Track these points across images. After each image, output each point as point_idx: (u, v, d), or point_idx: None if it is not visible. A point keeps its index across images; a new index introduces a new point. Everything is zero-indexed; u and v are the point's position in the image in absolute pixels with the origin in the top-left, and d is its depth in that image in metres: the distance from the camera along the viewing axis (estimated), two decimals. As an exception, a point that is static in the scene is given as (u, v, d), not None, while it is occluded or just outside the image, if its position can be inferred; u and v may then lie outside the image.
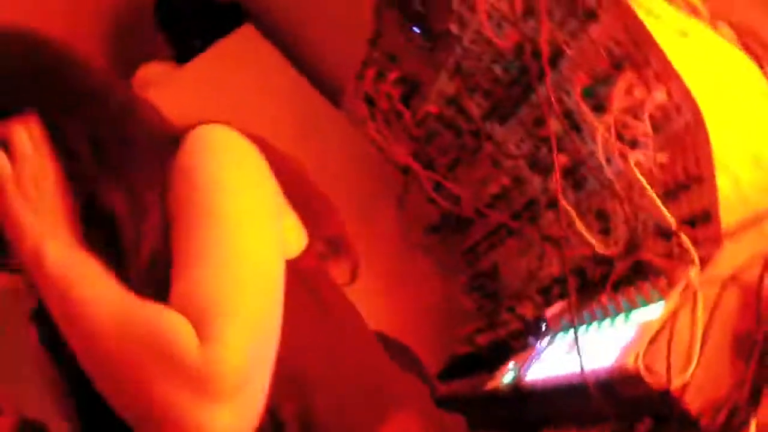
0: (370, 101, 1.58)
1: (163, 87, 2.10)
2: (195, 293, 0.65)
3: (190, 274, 0.67)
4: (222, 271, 0.66)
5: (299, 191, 0.85)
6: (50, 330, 0.79)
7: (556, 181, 1.13)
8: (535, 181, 1.28)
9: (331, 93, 2.10)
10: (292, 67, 2.13)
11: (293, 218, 0.83)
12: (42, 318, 0.85)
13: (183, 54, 2.26)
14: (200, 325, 0.62)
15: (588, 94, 1.03)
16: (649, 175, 0.96)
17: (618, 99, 0.96)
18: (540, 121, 1.18)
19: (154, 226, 0.73)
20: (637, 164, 0.96)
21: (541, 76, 1.05)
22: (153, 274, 0.71)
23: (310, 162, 1.93)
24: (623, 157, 0.98)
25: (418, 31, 1.30)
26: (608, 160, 1.03)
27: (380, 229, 1.87)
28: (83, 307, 0.66)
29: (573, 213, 1.12)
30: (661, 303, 0.86)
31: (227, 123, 0.84)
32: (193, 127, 0.83)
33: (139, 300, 0.67)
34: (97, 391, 0.66)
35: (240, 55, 2.14)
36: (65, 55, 0.85)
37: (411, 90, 1.46)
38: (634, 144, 0.97)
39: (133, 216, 0.73)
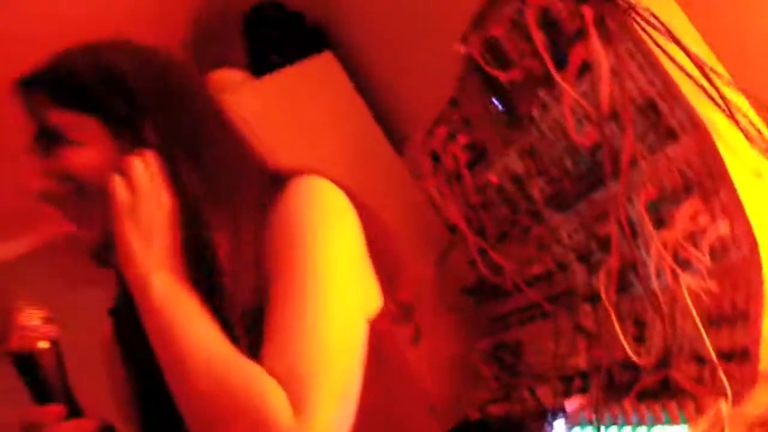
0: (435, 157, 1.63)
1: (237, 95, 2.17)
2: (290, 360, 0.68)
3: (286, 338, 0.70)
4: (316, 339, 0.69)
5: (382, 250, 0.86)
6: (125, 329, 0.84)
7: (602, 279, 1.17)
8: (580, 273, 1.31)
9: (395, 136, 2.16)
10: (363, 102, 2.19)
11: (373, 278, 0.84)
12: (119, 315, 0.90)
13: (258, 65, 2.33)
14: (294, 395, 0.65)
15: (652, 207, 1.06)
16: (696, 299, 0.99)
17: (681, 220, 1.00)
18: (599, 218, 1.22)
19: (250, 265, 0.76)
20: (687, 286, 0.99)
21: (615, 177, 1.09)
22: (246, 316, 0.73)
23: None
24: (674, 275, 1.01)
25: (498, 105, 1.35)
26: (658, 274, 1.06)
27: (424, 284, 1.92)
28: (184, 347, 0.69)
29: (612, 314, 1.16)
30: (686, 427, 0.89)
31: (324, 175, 0.86)
32: (294, 172, 0.86)
33: (238, 355, 0.69)
34: (163, 397, 0.70)
35: (315, 80, 2.21)
36: (193, 88, 0.89)
37: (477, 157, 1.51)
38: (687, 266, 1.00)
39: (233, 253, 0.76)
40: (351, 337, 0.74)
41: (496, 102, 1.35)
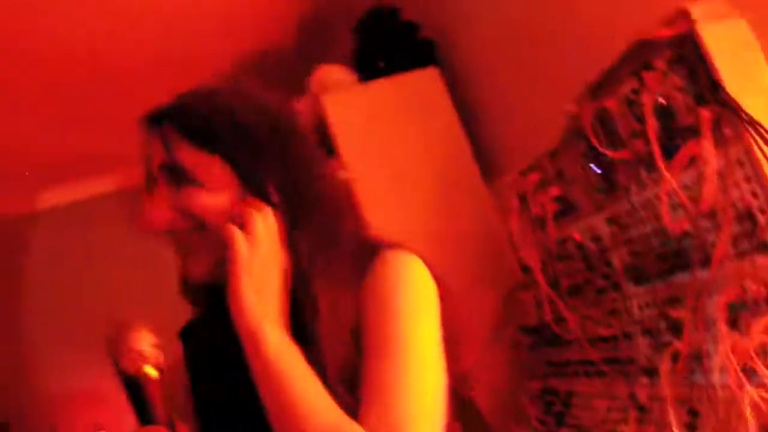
0: (523, 199, 1.68)
1: (341, 95, 2.27)
2: (391, 421, 0.75)
3: (385, 401, 0.77)
4: (414, 403, 0.77)
5: (451, 325, 0.89)
6: (193, 350, 0.92)
7: (666, 360, 1.21)
8: (643, 346, 1.35)
9: (485, 163, 2.21)
10: (460, 124, 2.24)
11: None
12: (188, 337, 0.98)
13: (364, 68, 2.41)
14: None
15: (731, 308, 1.10)
16: (755, 408, 1.02)
17: (756, 331, 1.03)
18: (674, 301, 1.26)
19: (345, 330, 0.82)
20: (748, 393, 1.03)
21: (700, 268, 1.13)
22: (343, 374, 0.80)
23: (438, 219, 2.08)
24: (737, 379, 1.05)
25: (596, 171, 1.39)
26: (722, 371, 1.10)
27: (475, 308, 1.98)
28: (295, 398, 0.75)
29: (669, 394, 1.20)
30: None
31: (416, 253, 0.91)
32: (386, 243, 0.92)
33: (342, 412, 0.76)
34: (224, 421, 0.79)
35: (417, 94, 2.27)
36: (311, 151, 0.94)
37: (564, 211, 1.55)
38: (752, 375, 1.03)
39: (332, 317, 0.82)
40: (440, 399, 0.81)
41: (594, 167, 1.39)
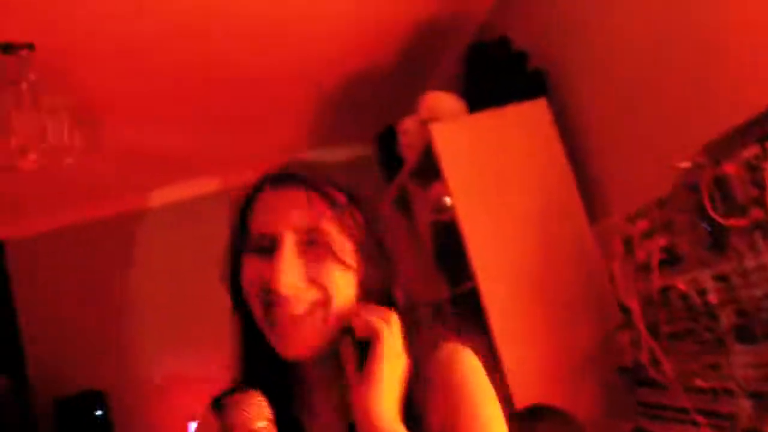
0: (628, 244, 1.72)
1: (449, 124, 2.35)
2: None
3: None
4: None
5: None
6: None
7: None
8: (744, 406, 1.37)
9: (589, 200, 2.24)
10: (566, 158, 2.28)
11: None
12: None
13: (473, 97, 2.47)
14: None
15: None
16: None
17: None
18: (779, 366, 1.28)
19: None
20: None
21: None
22: None
23: (538, 254, 2.12)
24: None
25: (708, 229, 1.42)
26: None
27: (569, 343, 2.04)
28: None
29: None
30: None
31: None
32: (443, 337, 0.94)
33: None
34: None
35: (525, 126, 2.32)
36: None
37: (670, 261, 1.58)
38: None
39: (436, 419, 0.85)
40: None
41: (707, 227, 1.42)
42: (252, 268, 0.86)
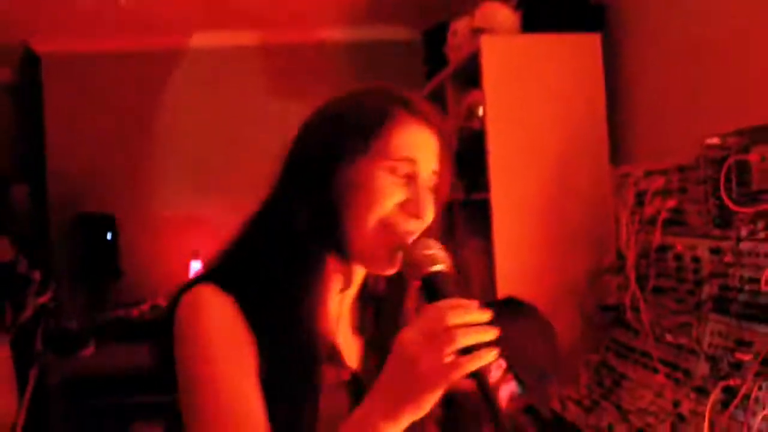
0: (640, 197, 1.81)
1: (500, 38, 2.37)
2: None
3: None
4: None
5: None
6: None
7: (715, 393, 1.39)
8: (704, 368, 1.52)
9: (615, 142, 2.30)
10: (604, 97, 2.32)
11: None
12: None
13: (527, 11, 2.45)
14: None
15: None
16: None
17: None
18: (744, 344, 1.41)
19: None
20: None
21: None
22: None
23: (555, 183, 2.22)
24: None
25: (717, 205, 1.51)
26: (763, 420, 1.28)
27: (562, 271, 2.19)
28: None
29: (708, 416, 1.39)
30: None
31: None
32: None
33: None
34: None
35: (574, 56, 2.34)
36: None
37: (675, 222, 1.68)
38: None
39: None
40: None
41: (715, 203, 1.51)
42: (387, 183, 0.94)
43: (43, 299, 2.10)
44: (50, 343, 2.22)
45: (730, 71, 1.81)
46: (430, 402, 0.79)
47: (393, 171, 0.95)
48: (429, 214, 0.96)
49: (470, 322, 0.80)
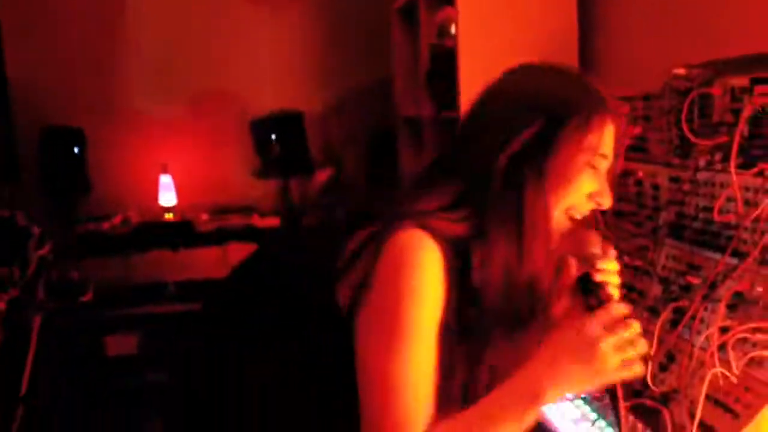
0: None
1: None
2: None
3: None
4: None
5: None
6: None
7: (664, 315, 1.48)
8: (656, 288, 1.61)
9: (586, 66, 2.30)
10: (577, 21, 2.31)
11: None
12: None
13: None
14: None
15: (735, 296, 1.34)
16: (714, 378, 1.31)
17: (744, 325, 1.28)
18: (695, 268, 1.49)
19: None
20: (714, 365, 1.31)
21: (730, 255, 1.35)
22: None
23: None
24: (711, 351, 1.32)
25: (678, 135, 1.55)
26: (705, 339, 1.37)
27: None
28: None
29: (658, 334, 1.49)
30: None
31: None
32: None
33: None
34: None
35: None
36: None
37: (638, 149, 1.73)
38: (723, 353, 1.30)
39: None
40: None
41: (677, 133, 1.55)
42: (584, 175, 1.07)
43: (42, 252, 2.10)
44: (53, 293, 2.27)
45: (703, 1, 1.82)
46: (591, 388, 0.98)
47: (588, 164, 1.07)
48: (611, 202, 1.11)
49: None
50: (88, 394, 2.94)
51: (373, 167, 3.87)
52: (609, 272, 1.08)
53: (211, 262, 3.43)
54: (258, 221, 3.63)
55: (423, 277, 0.98)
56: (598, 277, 1.06)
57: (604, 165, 1.10)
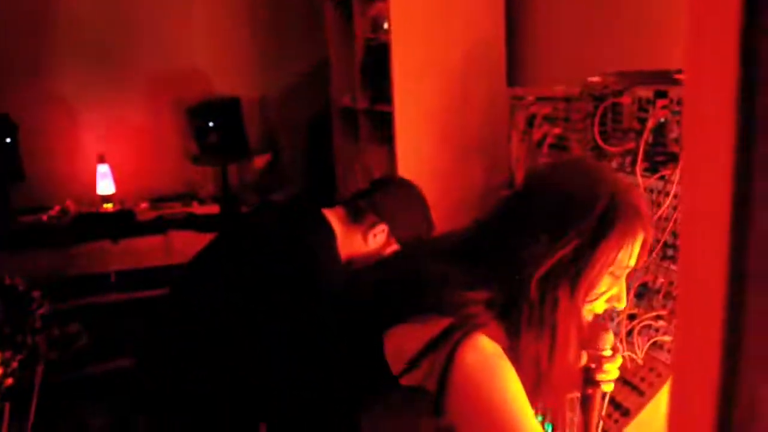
0: (529, 121, 1.98)
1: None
2: None
3: None
4: None
5: None
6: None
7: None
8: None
9: (515, 65, 2.43)
10: (504, 18, 2.42)
11: None
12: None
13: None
14: None
15: (642, 287, 1.50)
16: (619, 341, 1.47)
17: (647, 312, 1.45)
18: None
19: None
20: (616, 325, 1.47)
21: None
22: None
23: (454, 101, 2.35)
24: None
25: (596, 137, 1.70)
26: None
27: (458, 183, 2.35)
28: None
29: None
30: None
31: None
32: None
33: None
34: None
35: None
36: None
37: (559, 147, 1.87)
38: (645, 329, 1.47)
39: None
40: None
41: (593, 139, 1.69)
42: (606, 282, 1.10)
43: (43, 311, 2.15)
44: (54, 345, 2.32)
45: (628, 7, 1.97)
46: None
47: (613, 274, 1.10)
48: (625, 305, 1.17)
49: None
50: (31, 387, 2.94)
51: (310, 153, 3.94)
52: (611, 372, 1.18)
53: (153, 251, 3.45)
54: (198, 209, 3.66)
55: (510, 372, 1.03)
56: (599, 377, 1.16)
57: (626, 272, 1.13)
